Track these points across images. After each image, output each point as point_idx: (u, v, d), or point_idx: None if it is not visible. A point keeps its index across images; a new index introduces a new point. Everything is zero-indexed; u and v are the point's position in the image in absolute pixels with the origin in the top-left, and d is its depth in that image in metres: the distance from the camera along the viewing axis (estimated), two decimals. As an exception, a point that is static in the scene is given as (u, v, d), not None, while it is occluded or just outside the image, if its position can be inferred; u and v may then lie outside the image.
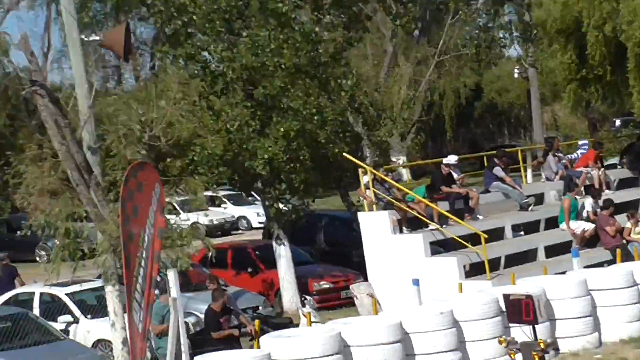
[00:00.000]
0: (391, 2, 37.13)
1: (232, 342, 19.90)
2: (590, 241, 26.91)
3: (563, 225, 27.20)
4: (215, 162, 26.41)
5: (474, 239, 24.29)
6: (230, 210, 51.35)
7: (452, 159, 27.71)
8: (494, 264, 24.37)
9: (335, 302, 28.68)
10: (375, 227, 24.83)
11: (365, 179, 25.07)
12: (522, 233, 27.93)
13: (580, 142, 33.54)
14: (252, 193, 36.34)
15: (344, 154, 27.21)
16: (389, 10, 38.13)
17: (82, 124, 17.39)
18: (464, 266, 24.02)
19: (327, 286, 29.49)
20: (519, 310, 16.96)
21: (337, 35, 28.53)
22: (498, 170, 28.21)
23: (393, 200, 25.10)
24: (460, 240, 24.35)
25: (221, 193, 36.91)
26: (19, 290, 26.00)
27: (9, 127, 55.76)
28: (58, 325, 23.08)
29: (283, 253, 28.53)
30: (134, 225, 15.20)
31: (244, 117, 26.73)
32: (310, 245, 32.81)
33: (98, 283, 22.74)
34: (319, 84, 27.80)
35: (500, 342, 17.37)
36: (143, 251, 15.35)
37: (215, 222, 48.51)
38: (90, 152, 17.32)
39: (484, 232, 24.12)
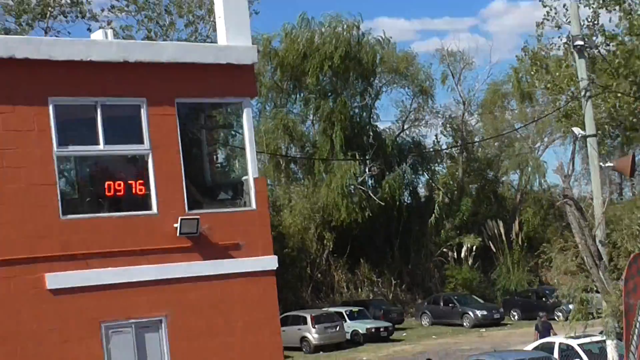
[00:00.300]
0: None
1: None
2: None
3: None
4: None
5: None
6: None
7: None
8: None
9: None
10: None
11: None
12: None
13: None
14: None
15: None
16: None
17: (597, 224, 17.39)
18: None
19: None
20: None
21: None
22: None
23: None
24: None
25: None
26: (546, 339, 25.86)
27: (541, 226, 56.00)
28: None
29: None
30: (633, 298, 14.86)
31: None
32: None
33: (601, 337, 22.15)
34: None
35: None
36: (638, 317, 14.96)
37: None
38: (601, 245, 17.20)
39: None
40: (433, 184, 56.76)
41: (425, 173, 57.20)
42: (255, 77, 16.18)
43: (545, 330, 27.81)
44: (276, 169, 51.57)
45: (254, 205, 15.51)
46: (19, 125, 13.62)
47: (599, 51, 28.51)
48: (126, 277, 14.22)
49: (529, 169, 57.87)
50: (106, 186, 14.43)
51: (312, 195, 49.51)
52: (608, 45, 29.51)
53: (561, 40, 30.27)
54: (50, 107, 13.88)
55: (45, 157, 13.76)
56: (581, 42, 18.43)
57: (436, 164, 58.33)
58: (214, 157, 16.87)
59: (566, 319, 17.61)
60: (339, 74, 50.34)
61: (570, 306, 17.49)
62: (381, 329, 40.60)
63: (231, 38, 15.68)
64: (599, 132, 21.94)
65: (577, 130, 18.02)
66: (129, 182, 14.64)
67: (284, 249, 44.62)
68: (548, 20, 30.33)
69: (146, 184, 14.64)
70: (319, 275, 49.91)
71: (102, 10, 42.26)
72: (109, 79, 14.40)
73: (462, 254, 53.26)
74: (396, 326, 42.73)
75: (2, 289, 13.33)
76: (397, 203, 51.57)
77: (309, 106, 52.25)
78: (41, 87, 13.85)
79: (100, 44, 14.71)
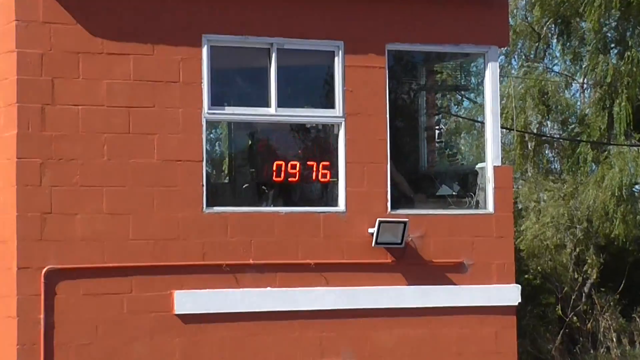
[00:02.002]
0: None
1: None
2: None
3: None
4: None
5: None
6: None
7: None
8: None
9: None
10: None
11: None
12: None
13: None
14: None
15: None
16: None
17: None
18: None
19: None
20: None
21: None
22: None
23: None
24: None
25: None
26: None
27: None
28: None
29: None
30: None
31: None
32: None
33: None
34: None
35: None
36: None
37: None
38: None
39: None
40: None
41: None
42: (508, 18, 16.03)
43: None
44: (522, 153, 51.28)
45: (490, 208, 15.66)
46: (158, 74, 13.81)
47: None
48: (289, 303, 14.36)
49: None
50: (274, 168, 14.64)
51: (572, 196, 49.00)
52: None
53: None
54: (204, 49, 14.09)
55: (190, 122, 13.94)
56: None
57: None
58: (435, 133, 16.74)
59: None
60: (630, 19, 49.62)
61: None
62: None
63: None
64: None
65: None
66: (308, 163, 14.81)
67: (522, 274, 44.25)
68: None
69: (333, 166, 14.83)
70: (575, 318, 49.40)
71: None
72: (290, 13, 14.54)
73: None
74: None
75: (116, 307, 13.48)
76: None
77: (581, 64, 51.75)
78: (194, 20, 14.03)
79: (283, -36, 14.92)
